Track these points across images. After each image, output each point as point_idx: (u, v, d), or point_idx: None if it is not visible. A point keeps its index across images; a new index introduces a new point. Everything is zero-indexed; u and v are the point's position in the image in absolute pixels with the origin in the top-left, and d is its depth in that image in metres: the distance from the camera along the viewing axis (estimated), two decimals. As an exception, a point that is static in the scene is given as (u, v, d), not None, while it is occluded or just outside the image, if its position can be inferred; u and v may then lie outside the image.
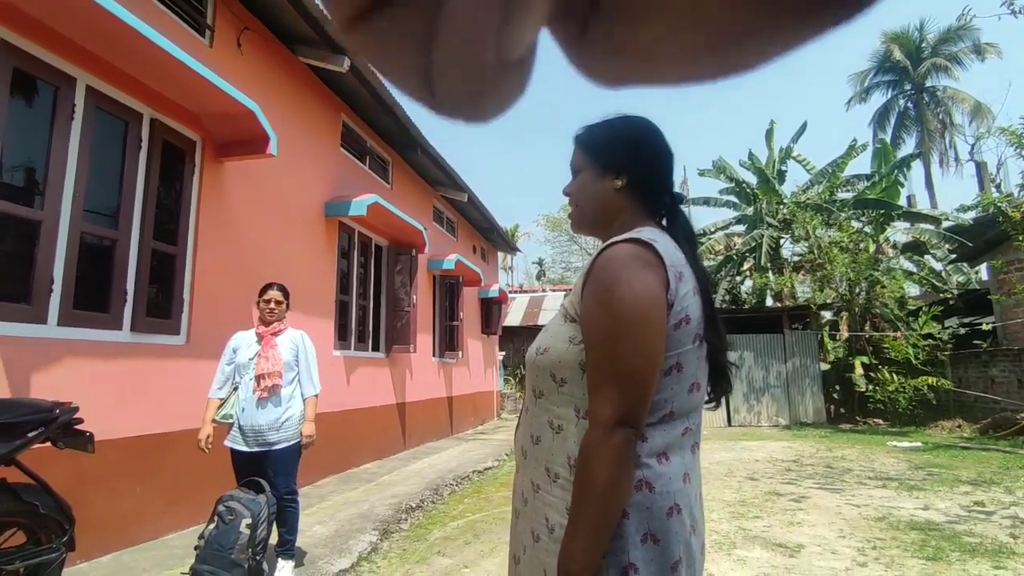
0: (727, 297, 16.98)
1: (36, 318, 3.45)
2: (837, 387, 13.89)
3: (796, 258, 16.84)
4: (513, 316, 19.68)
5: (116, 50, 3.72)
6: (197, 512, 4.26)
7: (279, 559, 3.36)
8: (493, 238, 15.05)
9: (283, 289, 3.59)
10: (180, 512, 4.30)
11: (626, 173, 1.15)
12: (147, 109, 4.29)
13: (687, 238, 1.13)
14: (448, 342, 11.05)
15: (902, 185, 15.48)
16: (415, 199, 9.87)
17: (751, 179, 17.39)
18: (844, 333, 14.18)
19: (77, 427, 2.57)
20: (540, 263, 41.20)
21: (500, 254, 18.30)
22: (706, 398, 1.12)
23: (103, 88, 3.93)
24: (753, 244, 15.65)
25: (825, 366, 13.88)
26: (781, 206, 16.33)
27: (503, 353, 17.95)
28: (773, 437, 10.99)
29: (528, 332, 19.46)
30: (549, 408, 1.08)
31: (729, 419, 13.22)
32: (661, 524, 0.96)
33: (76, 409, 2.55)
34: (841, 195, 15.91)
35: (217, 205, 4.95)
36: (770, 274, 15.82)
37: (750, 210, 17.24)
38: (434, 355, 10.34)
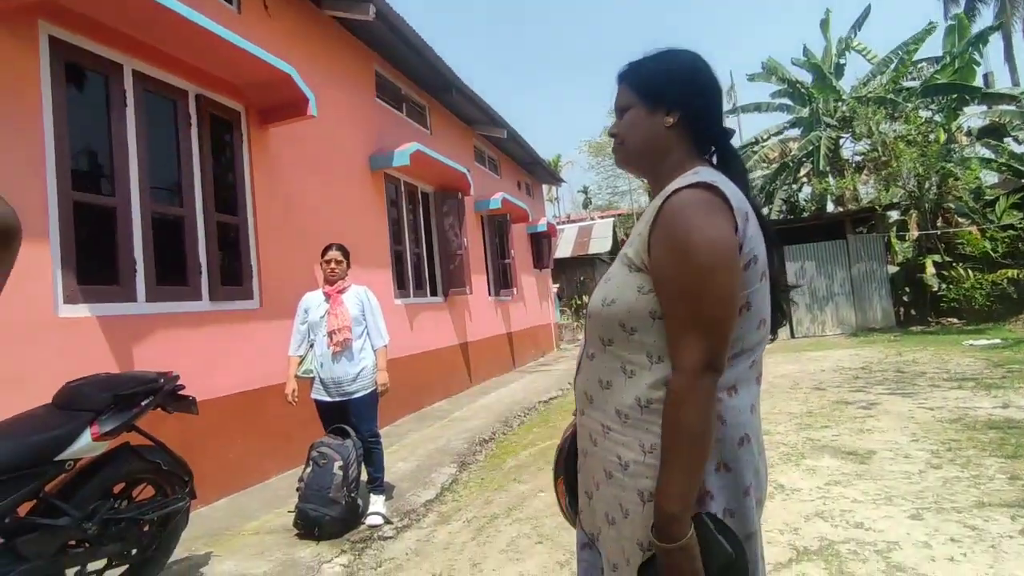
0: (784, 207, 16.27)
1: (127, 297, 3.75)
2: (907, 289, 13.34)
3: (858, 158, 15.83)
4: (563, 248, 19.63)
5: (156, 32, 3.79)
6: (292, 458, 4.67)
7: (371, 494, 3.68)
8: (536, 171, 14.82)
9: (342, 248, 3.74)
10: (278, 459, 4.73)
11: (678, 109, 1.12)
12: (191, 86, 4.40)
13: (740, 175, 1.12)
14: (502, 280, 11.21)
15: (977, 64, 14.06)
16: (455, 142, 9.80)
17: (806, 78, 16.20)
18: (913, 232, 13.43)
19: (180, 392, 2.84)
20: (585, 191, 40.45)
21: (545, 187, 18.05)
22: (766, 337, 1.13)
23: (148, 71, 4.04)
24: (810, 148, 14.79)
25: (893, 268, 13.29)
26: (840, 103, 15.23)
27: (556, 285, 18.07)
28: (839, 346, 10.78)
29: (579, 263, 19.44)
30: (620, 355, 1.09)
31: (792, 331, 13.01)
32: (733, 453, 1.01)
33: (177, 377, 2.81)
34: (907, 84, 14.64)
35: (269, 171, 5.11)
36: (830, 178, 15.01)
37: (805, 111, 16.17)
38: (490, 294, 10.54)
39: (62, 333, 3.31)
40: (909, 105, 13.59)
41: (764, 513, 2.65)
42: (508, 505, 3.79)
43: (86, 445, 2.31)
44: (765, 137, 17.32)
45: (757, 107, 17.49)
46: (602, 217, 30.93)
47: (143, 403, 2.55)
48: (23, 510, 2.23)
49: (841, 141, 15.48)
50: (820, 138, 14.40)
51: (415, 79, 8.34)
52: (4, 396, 2.76)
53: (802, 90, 15.95)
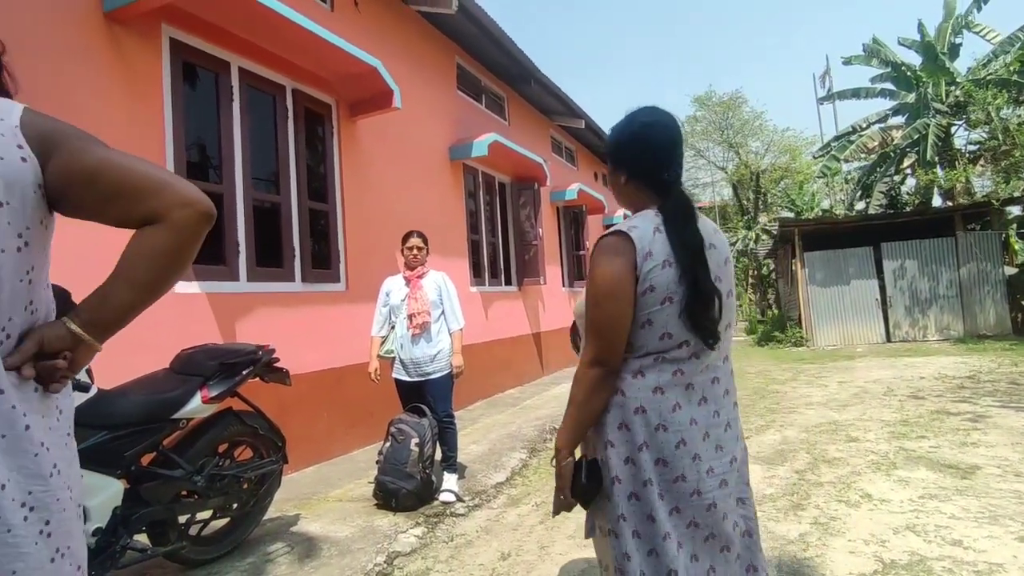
0: (883, 200, 15.09)
1: (231, 277, 4.10)
2: (1027, 293, 12.04)
3: (972, 147, 14.42)
4: (639, 241, 19.22)
5: (261, 31, 4.09)
6: (372, 433, 4.93)
7: (445, 472, 3.82)
8: (614, 162, 14.60)
9: (422, 236, 3.89)
10: (359, 433, 5.01)
11: (625, 170, 1.48)
12: (288, 81, 4.70)
13: (681, 210, 1.40)
14: (576, 271, 11.18)
15: None
16: (532, 132, 9.84)
17: (913, 60, 14.89)
18: (1038, 230, 12.08)
19: (276, 365, 3.07)
20: (664, 183, 39.28)
21: (622, 178, 17.74)
22: (687, 341, 1.38)
23: (252, 67, 4.36)
24: (916, 136, 13.60)
25: (1011, 270, 12.04)
26: (953, 87, 13.90)
27: (631, 279, 17.72)
28: (943, 352, 9.94)
29: (656, 256, 18.96)
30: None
31: (888, 335, 12.11)
32: (628, 418, 1.38)
33: (273, 350, 3.04)
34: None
35: (355, 161, 5.37)
36: (938, 169, 13.77)
37: (911, 97, 14.89)
38: (564, 285, 10.55)
39: (178, 306, 3.66)
40: (1038, 87, 12.19)
41: (848, 522, 2.62)
42: (577, 493, 3.82)
43: (197, 407, 2.56)
44: (864, 125, 16.11)
45: (855, 93, 16.30)
46: (682, 210, 29.93)
47: (244, 372, 2.78)
48: (146, 461, 2.51)
49: (953, 129, 14.16)
50: (928, 125, 13.23)
51: (495, 70, 8.44)
52: (133, 359, 3.09)
53: (908, 73, 14.68)
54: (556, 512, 1.51)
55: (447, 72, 7.31)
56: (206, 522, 2.84)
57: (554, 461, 1.45)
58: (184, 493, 2.64)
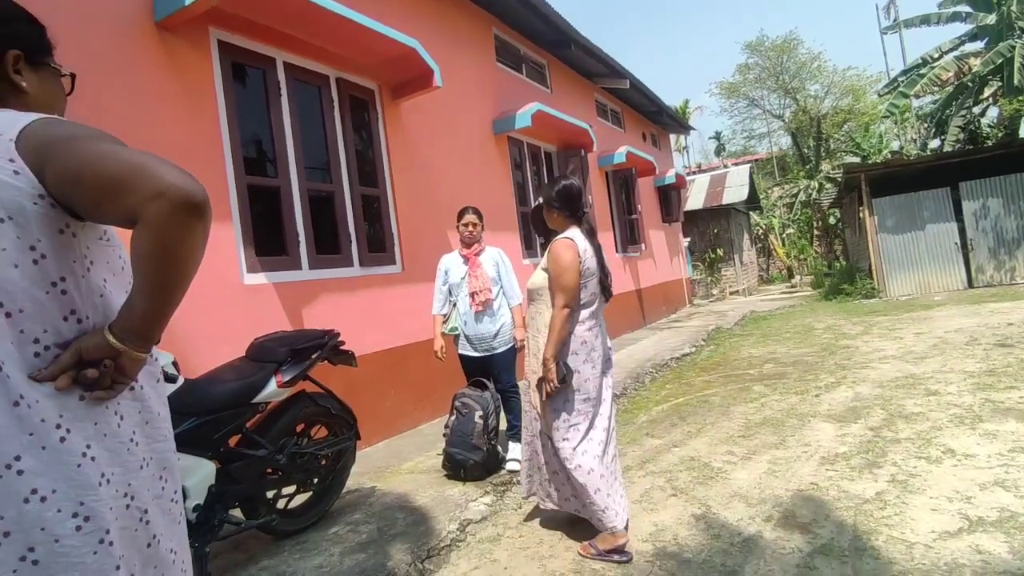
0: (960, 136, 13.93)
1: (294, 266, 4.28)
2: None
3: (1066, 68, 13.00)
4: (694, 199, 18.64)
5: (304, 25, 4.16)
6: (438, 407, 5.09)
7: (510, 441, 3.92)
8: (662, 121, 14.13)
9: (477, 212, 3.92)
10: (426, 408, 5.19)
11: (559, 208, 2.77)
12: (331, 70, 4.78)
13: (592, 229, 2.75)
14: (629, 236, 10.98)
15: None
16: (576, 98, 9.64)
17: (992, -24, 13.50)
18: None
19: (342, 348, 3.21)
20: (718, 136, 37.82)
21: (672, 136, 17.16)
22: (600, 298, 2.75)
23: (296, 61, 4.46)
24: (999, 60, 12.40)
25: (1114, 201, 10.94)
26: (1041, 2, 12.53)
27: (688, 239, 17.30)
28: (1033, 296, 9.22)
29: (712, 214, 18.36)
30: (538, 305, 2.75)
31: (970, 280, 11.33)
32: (579, 346, 2.64)
33: (339, 334, 3.17)
34: None
35: (402, 144, 5.44)
36: (1024, 96, 12.53)
37: (991, 18, 13.55)
38: (617, 251, 10.40)
39: (247, 298, 3.88)
40: None
41: (928, 479, 2.52)
42: (641, 459, 3.84)
43: (273, 391, 2.72)
44: (936, 56, 14.82)
45: (925, 20, 14.97)
46: (736, 164, 28.77)
47: (313, 356, 2.92)
48: (232, 443, 2.71)
49: (1041, 50, 12.82)
50: (1014, 47, 12.03)
51: (533, 38, 8.27)
52: (213, 349, 3.33)
53: (987, -7, 13.35)
54: (544, 398, 2.64)
55: (485, 45, 7.22)
56: (291, 496, 3.04)
57: (543, 367, 2.59)
58: (269, 471, 2.83)
